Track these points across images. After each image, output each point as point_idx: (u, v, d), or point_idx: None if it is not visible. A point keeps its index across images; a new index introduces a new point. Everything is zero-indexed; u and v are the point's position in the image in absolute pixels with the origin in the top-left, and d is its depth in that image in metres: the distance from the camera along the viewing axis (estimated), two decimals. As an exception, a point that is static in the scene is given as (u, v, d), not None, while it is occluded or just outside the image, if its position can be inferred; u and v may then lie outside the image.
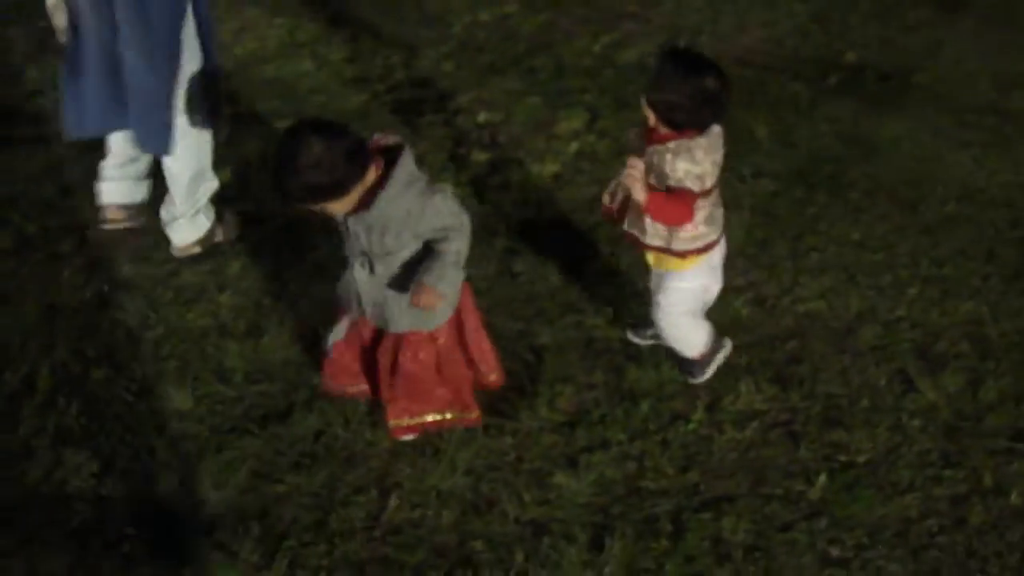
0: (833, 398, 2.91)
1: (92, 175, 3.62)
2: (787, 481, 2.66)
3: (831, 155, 4.10)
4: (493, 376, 2.78)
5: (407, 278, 2.48)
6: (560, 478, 2.65)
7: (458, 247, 2.47)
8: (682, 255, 2.66)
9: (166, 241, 3.52)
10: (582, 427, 2.80)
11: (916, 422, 2.83)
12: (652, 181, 2.56)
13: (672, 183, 2.54)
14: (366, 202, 2.39)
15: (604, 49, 4.94)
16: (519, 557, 2.47)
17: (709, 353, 2.89)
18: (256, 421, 2.85)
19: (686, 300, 2.77)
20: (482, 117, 4.42)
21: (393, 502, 2.61)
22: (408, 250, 2.48)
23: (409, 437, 2.72)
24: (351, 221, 2.43)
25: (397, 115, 4.44)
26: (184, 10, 3.09)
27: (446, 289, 2.49)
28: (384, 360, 2.63)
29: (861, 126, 4.30)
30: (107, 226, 3.59)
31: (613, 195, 2.74)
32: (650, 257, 2.77)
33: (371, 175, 2.38)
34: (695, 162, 2.52)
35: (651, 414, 2.84)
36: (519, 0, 5.34)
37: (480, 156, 4.12)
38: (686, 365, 2.92)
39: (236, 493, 2.64)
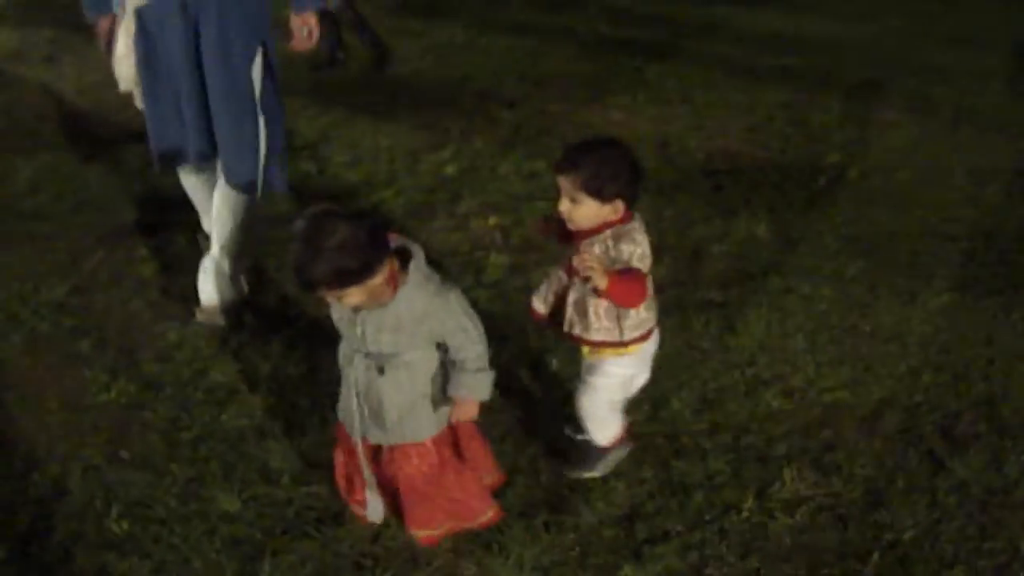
0: (871, 480, 3.02)
1: (104, 272, 3.84)
2: (841, 562, 2.75)
3: (831, 252, 4.28)
4: (489, 479, 2.81)
5: (412, 384, 2.48)
6: (627, 570, 2.69)
7: (478, 351, 2.46)
8: (626, 344, 2.67)
9: (189, 341, 3.61)
10: (640, 520, 2.85)
11: (951, 499, 2.94)
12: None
13: (624, 262, 2.53)
14: (382, 297, 2.34)
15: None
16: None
17: (614, 446, 2.94)
18: (310, 523, 2.84)
19: (616, 387, 2.80)
20: (492, 220, 4.53)
21: (464, 602, 2.58)
22: (419, 351, 2.46)
23: (437, 543, 2.73)
24: (362, 317, 2.37)
25: (407, 219, 4.54)
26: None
27: (482, 395, 2.52)
28: (386, 474, 2.65)
29: (857, 223, 4.51)
30: (203, 320, 3.67)
31: (545, 298, 2.75)
32: (586, 349, 2.75)
33: (387, 269, 2.32)
34: (636, 243, 2.53)
35: (704, 504, 2.90)
36: (514, 111, 5.53)
37: (498, 259, 4.21)
38: (586, 455, 2.96)
39: (299, 598, 2.60)
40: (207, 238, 3.78)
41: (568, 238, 2.62)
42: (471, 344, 2.43)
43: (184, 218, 4.33)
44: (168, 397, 3.37)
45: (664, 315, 2.44)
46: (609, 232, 2.52)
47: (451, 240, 4.40)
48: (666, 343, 3.33)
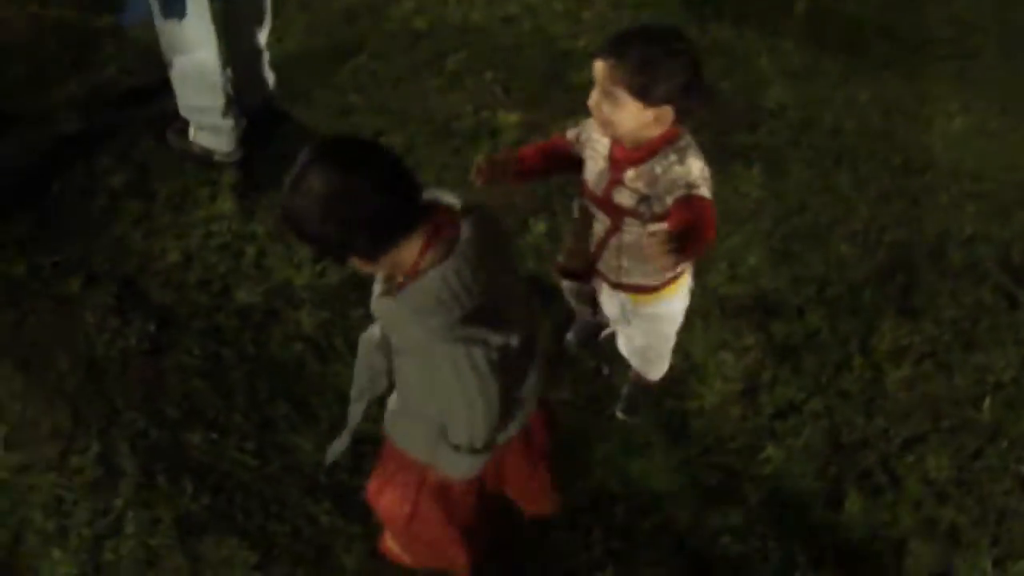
0: (957, 322, 3.04)
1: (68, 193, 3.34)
2: (959, 410, 2.76)
3: (834, 79, 4.17)
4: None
5: (402, 389, 1.92)
6: (770, 451, 2.64)
7: (459, 429, 1.76)
8: (679, 274, 2.29)
9: (197, 257, 3.20)
10: (762, 392, 2.79)
11: (1035, 334, 2.97)
12: (642, 209, 2.06)
13: (681, 193, 1.99)
14: (398, 282, 1.70)
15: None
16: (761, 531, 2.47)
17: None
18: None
19: (681, 315, 2.43)
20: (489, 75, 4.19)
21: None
22: (413, 363, 1.82)
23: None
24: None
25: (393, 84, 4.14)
26: None
27: (452, 473, 1.89)
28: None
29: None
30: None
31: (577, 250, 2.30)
32: (635, 297, 2.32)
33: (410, 249, 1.64)
34: (702, 158, 2.04)
35: (816, 367, 2.86)
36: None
37: (507, 117, 3.91)
38: (641, 398, 2.72)
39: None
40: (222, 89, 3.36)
41: (539, 169, 2.19)
42: (455, 418, 1.75)
43: (143, 113, 3.80)
44: (196, 332, 2.97)
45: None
46: (670, 148, 2.01)
47: (449, 101, 4.02)
48: (717, 188, 3.22)
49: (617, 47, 1.94)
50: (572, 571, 2.33)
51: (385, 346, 1.82)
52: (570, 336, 2.87)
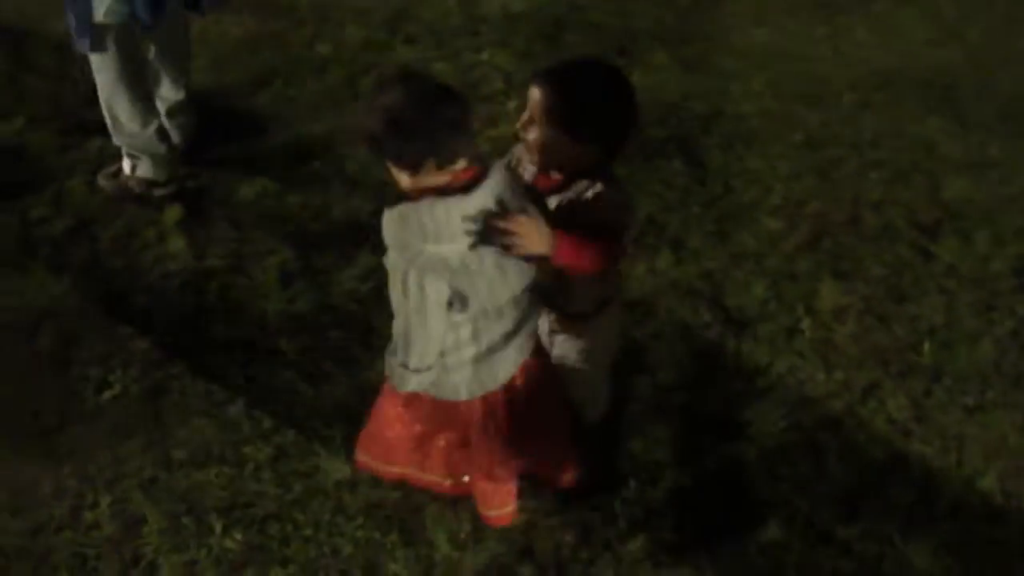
0: (885, 279, 3.35)
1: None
2: (903, 356, 3.07)
3: (729, 71, 4.50)
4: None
5: None
6: (749, 413, 2.87)
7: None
8: (604, 306, 2.30)
9: (167, 295, 3.27)
10: (729, 361, 3.02)
11: (951, 282, 3.34)
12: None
13: (590, 221, 2.03)
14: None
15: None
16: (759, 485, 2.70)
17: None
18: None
19: (610, 348, 2.45)
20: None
21: None
22: None
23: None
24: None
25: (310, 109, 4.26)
26: None
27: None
28: None
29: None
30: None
31: None
32: (557, 321, 2.30)
33: (439, 178, 1.89)
34: (620, 190, 2.10)
35: (771, 331, 3.12)
36: None
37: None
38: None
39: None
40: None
41: None
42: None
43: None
44: (182, 371, 2.99)
45: (631, 159, 2.12)
46: (587, 177, 2.05)
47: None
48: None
49: (555, 80, 1.99)
50: (606, 543, 2.48)
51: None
52: None
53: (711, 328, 3.10)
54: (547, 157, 2.04)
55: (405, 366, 2.01)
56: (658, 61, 4.46)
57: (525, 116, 2.02)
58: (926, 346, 3.08)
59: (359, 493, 2.59)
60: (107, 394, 2.91)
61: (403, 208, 1.87)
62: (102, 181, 3.66)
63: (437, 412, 2.17)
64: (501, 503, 2.40)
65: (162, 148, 3.51)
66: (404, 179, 1.91)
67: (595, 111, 1.98)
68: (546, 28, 4.74)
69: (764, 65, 4.51)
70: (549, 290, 2.19)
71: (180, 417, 2.82)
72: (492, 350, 2.05)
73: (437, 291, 1.91)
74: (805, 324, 3.13)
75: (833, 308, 3.21)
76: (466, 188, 1.88)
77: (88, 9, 3.06)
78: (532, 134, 2.02)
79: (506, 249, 1.93)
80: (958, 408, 2.90)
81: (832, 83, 4.38)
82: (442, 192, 1.87)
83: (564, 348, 2.35)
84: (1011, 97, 4.31)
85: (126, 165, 3.58)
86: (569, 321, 2.28)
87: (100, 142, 3.85)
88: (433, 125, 1.83)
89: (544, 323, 2.34)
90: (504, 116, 3.94)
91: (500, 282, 1.96)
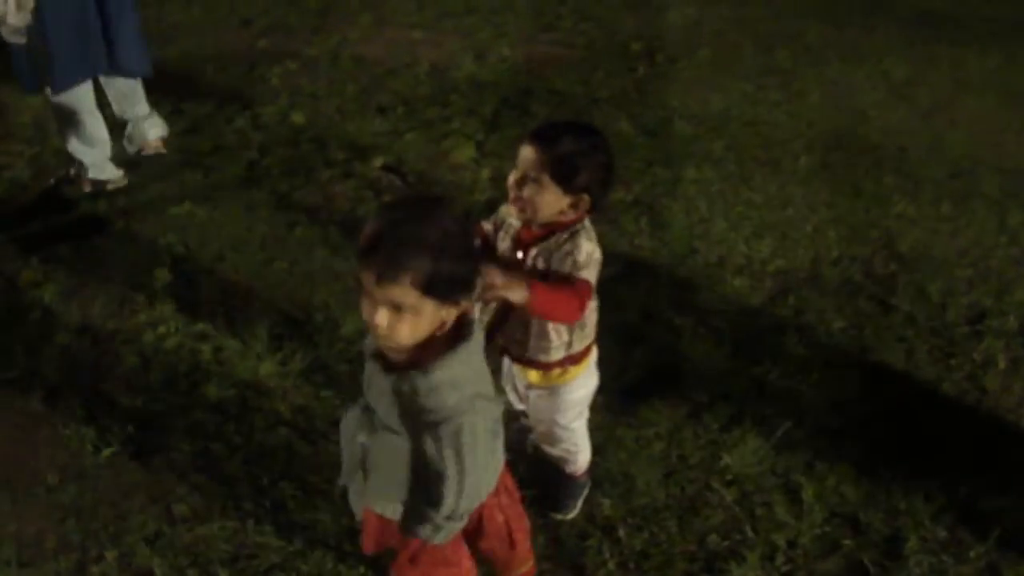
0: (845, 331, 3.56)
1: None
2: (866, 404, 3.25)
3: (689, 136, 4.83)
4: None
5: (391, 469, 1.97)
6: (727, 459, 3.03)
7: (452, 500, 1.87)
8: (587, 351, 2.41)
9: (160, 357, 3.35)
10: (704, 413, 3.19)
11: (910, 331, 3.57)
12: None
13: (566, 271, 2.17)
14: (423, 359, 1.77)
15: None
16: (740, 526, 2.82)
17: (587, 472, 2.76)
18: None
19: (590, 397, 2.54)
20: (378, 162, 4.51)
21: None
22: (403, 438, 1.90)
23: None
24: (392, 381, 1.81)
25: (287, 177, 4.39)
26: None
27: (433, 540, 1.98)
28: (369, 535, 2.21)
29: (692, 104, 5.09)
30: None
31: (479, 320, 2.18)
32: (533, 375, 2.42)
33: (453, 313, 1.79)
34: (593, 242, 2.21)
35: (742, 387, 3.28)
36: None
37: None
38: (564, 493, 2.77)
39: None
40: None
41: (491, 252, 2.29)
42: (450, 486, 1.84)
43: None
44: (179, 430, 3.09)
45: (597, 222, 2.31)
46: (567, 230, 2.20)
47: (347, 190, 4.30)
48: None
49: (547, 138, 2.15)
50: (602, 582, 2.61)
51: (368, 424, 1.94)
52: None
53: (683, 381, 3.26)
54: (539, 211, 2.18)
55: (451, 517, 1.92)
56: (621, 128, 4.69)
57: (517, 174, 2.17)
58: (888, 392, 3.28)
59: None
60: (105, 452, 2.97)
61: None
62: (64, 190, 4.16)
63: None
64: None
65: (107, 155, 4.20)
66: (432, 314, 1.73)
67: (585, 162, 2.15)
68: (513, 97, 4.96)
69: (722, 130, 4.76)
70: (526, 343, 2.32)
71: (179, 474, 2.89)
72: None
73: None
74: (772, 376, 3.30)
75: (799, 360, 3.40)
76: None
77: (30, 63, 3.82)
78: (526, 191, 2.16)
79: (484, 297, 2.01)
80: (921, 447, 3.08)
81: (789, 146, 4.64)
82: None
83: (540, 404, 2.50)
84: (960, 156, 4.61)
85: (80, 170, 4.18)
86: (546, 373, 2.39)
87: (86, 207, 3.97)
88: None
89: (520, 381, 2.50)
90: (478, 183, 4.12)
91: None
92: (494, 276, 2.01)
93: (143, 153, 4.41)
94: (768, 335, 3.48)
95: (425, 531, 1.94)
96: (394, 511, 2.04)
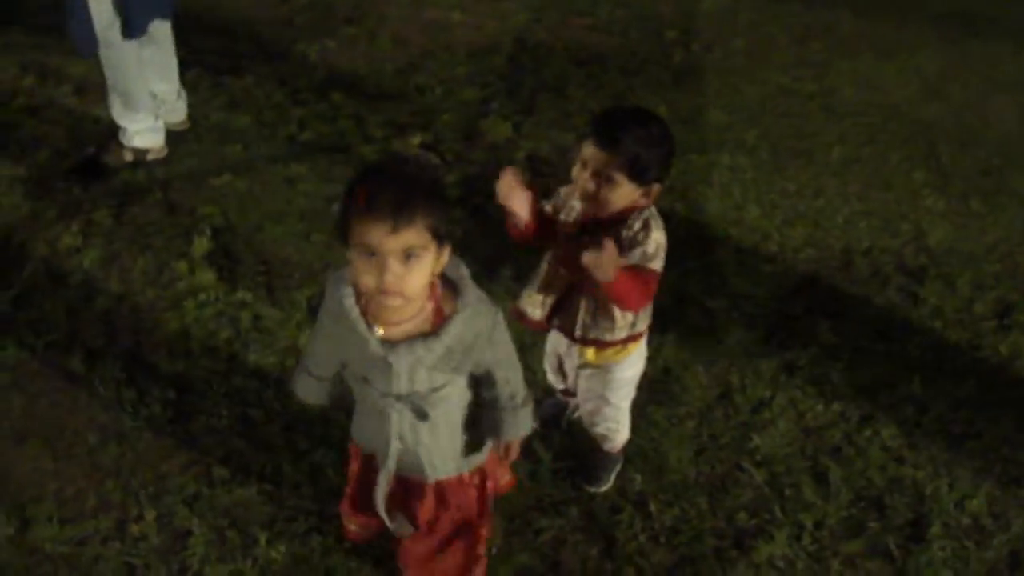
0: (877, 320, 3.61)
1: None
2: (894, 390, 3.29)
3: (724, 124, 4.85)
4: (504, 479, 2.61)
5: (448, 419, 2.10)
6: (757, 440, 3.07)
7: (521, 380, 2.12)
8: (638, 336, 2.46)
9: (200, 323, 3.42)
10: (736, 394, 3.24)
11: (936, 323, 3.58)
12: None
13: (636, 261, 2.20)
14: (415, 303, 1.87)
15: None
16: (769, 505, 2.88)
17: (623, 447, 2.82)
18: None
19: (639, 377, 2.61)
20: (416, 140, 4.55)
21: None
22: (455, 386, 2.04)
23: None
24: (401, 352, 1.89)
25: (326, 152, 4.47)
26: None
27: (528, 428, 2.18)
28: (425, 513, 2.26)
29: (725, 94, 5.11)
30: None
31: (543, 302, 2.44)
32: (590, 354, 2.49)
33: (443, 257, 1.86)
34: (662, 231, 2.23)
35: (773, 369, 3.32)
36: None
37: (449, 178, 4.29)
38: (599, 467, 2.84)
39: None
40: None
41: (550, 232, 2.33)
42: (516, 372, 2.08)
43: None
44: (218, 395, 3.16)
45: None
46: (638, 217, 2.23)
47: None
48: None
49: (612, 134, 2.13)
50: (629, 557, 2.67)
51: (405, 418, 2.05)
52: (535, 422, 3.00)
53: (716, 364, 3.29)
54: (611, 205, 2.20)
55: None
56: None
57: (587, 172, 2.18)
58: (915, 380, 3.29)
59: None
60: (145, 415, 3.02)
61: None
62: (105, 158, 4.14)
63: None
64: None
65: (159, 124, 4.22)
66: (432, 262, 1.82)
67: (655, 155, 2.17)
68: (551, 81, 5.00)
69: (756, 120, 4.79)
70: (591, 324, 2.38)
71: (217, 437, 2.95)
72: None
73: None
74: (803, 361, 3.34)
75: (829, 345, 3.43)
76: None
77: (89, 23, 3.75)
78: (597, 186, 2.17)
79: (591, 270, 2.10)
80: (944, 436, 3.10)
81: (821, 138, 4.67)
82: None
83: (592, 382, 2.56)
84: (991, 153, 4.62)
85: (122, 138, 4.16)
86: (604, 351, 2.45)
87: (126, 176, 4.03)
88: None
89: (573, 360, 2.57)
90: (514, 164, 4.16)
91: None
92: (604, 249, 2.04)
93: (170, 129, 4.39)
94: (799, 321, 3.51)
95: (527, 417, 2.15)
96: (457, 467, 2.17)
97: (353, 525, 2.51)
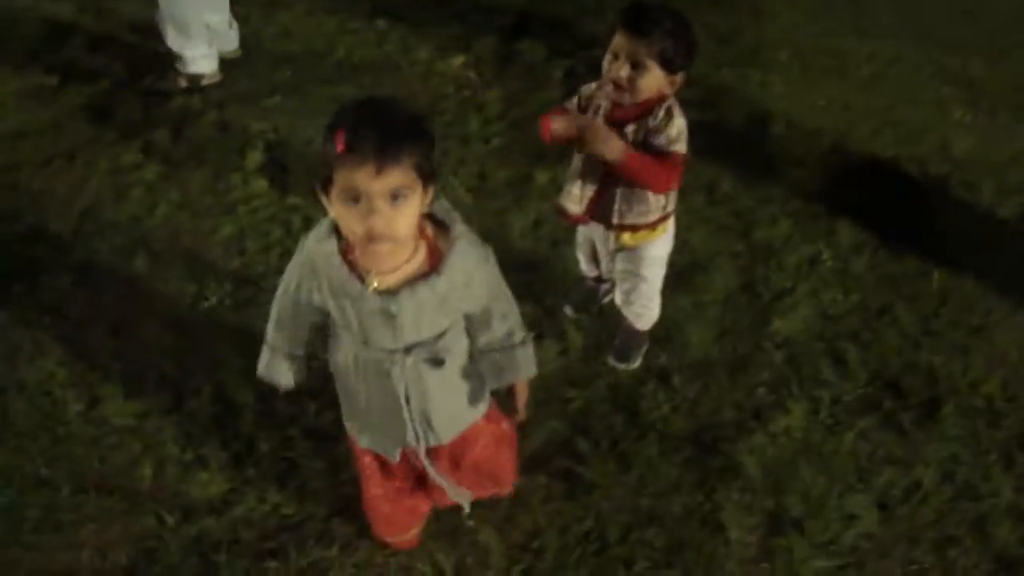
0: (898, 220, 3.69)
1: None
2: (914, 283, 3.42)
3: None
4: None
5: (454, 365, 2.03)
6: (777, 324, 3.23)
7: (519, 316, 2.06)
8: (668, 216, 2.62)
9: (255, 226, 3.61)
10: (758, 284, 3.39)
11: (960, 224, 3.67)
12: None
13: (661, 145, 2.36)
14: (406, 248, 1.80)
15: None
16: (787, 381, 3.03)
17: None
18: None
19: (666, 260, 2.76)
20: (459, 60, 4.70)
21: None
22: (457, 330, 1.99)
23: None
24: (403, 298, 1.80)
25: (373, 73, 4.65)
26: None
27: (533, 369, 2.12)
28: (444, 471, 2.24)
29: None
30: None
31: (581, 197, 2.56)
32: (626, 237, 2.64)
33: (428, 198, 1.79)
34: (683, 116, 2.37)
35: (798, 260, 3.47)
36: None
37: (491, 94, 4.48)
38: (630, 345, 3.00)
39: None
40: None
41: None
42: (513, 308, 2.02)
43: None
44: (273, 288, 3.35)
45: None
46: (661, 107, 2.36)
47: (432, 86, 4.52)
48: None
49: (643, 24, 2.28)
50: (652, 424, 2.87)
51: (411, 372, 1.97)
52: (567, 308, 3.19)
53: (741, 256, 3.45)
54: (642, 92, 2.35)
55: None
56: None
57: (619, 62, 2.32)
58: (935, 275, 3.42)
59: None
60: (202, 305, 3.26)
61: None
62: (158, 84, 4.37)
63: None
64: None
65: (212, 51, 4.40)
66: (418, 203, 1.76)
67: (683, 45, 2.32)
68: (590, 5, 5.16)
69: (789, 42, 4.89)
70: (627, 211, 2.55)
71: (270, 323, 3.14)
72: None
73: None
74: (825, 255, 3.48)
75: (851, 243, 3.56)
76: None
77: None
78: (624, 71, 2.32)
79: (585, 147, 2.26)
80: (964, 326, 3.23)
81: (852, 58, 4.76)
82: None
83: (628, 263, 2.75)
84: (1022, 74, 4.68)
85: (178, 64, 4.35)
86: (637, 233, 2.61)
87: (181, 101, 4.27)
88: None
89: (607, 245, 2.75)
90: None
91: None
92: (599, 126, 2.25)
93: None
94: (824, 218, 3.65)
95: (528, 358, 2.09)
96: (473, 415, 2.17)
97: (391, 526, 2.43)
